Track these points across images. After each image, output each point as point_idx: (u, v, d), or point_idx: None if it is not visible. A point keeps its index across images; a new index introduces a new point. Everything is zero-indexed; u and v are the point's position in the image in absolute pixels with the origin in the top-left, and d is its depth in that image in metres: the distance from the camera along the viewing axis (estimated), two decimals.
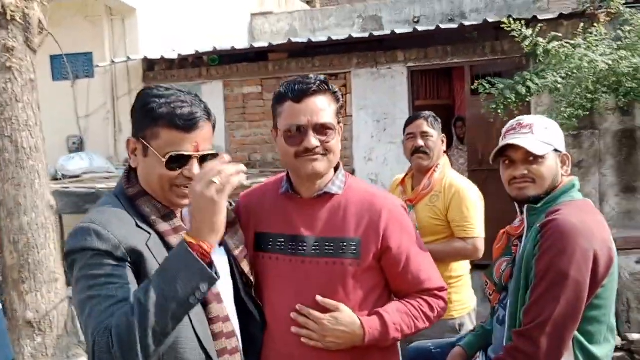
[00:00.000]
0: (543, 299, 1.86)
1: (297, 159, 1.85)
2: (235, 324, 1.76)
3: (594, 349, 1.91)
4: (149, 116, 1.61)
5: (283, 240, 1.92)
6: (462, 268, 3.10)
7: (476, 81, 6.33)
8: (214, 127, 1.72)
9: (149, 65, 8.56)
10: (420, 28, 7.27)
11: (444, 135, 3.16)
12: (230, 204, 1.99)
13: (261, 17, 10.55)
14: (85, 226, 1.54)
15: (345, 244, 1.86)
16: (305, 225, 1.90)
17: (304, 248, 1.88)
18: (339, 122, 1.90)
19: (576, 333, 1.88)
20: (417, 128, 3.07)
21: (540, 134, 2.03)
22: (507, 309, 2.04)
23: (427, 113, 3.13)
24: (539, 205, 2.02)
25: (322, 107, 1.84)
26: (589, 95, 5.60)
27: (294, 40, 7.75)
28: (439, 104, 8.22)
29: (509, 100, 6.10)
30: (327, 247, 1.87)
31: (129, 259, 1.53)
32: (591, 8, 6.59)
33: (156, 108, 1.60)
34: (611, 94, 5.81)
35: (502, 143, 2.08)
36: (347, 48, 7.71)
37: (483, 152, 7.04)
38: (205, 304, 1.63)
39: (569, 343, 1.87)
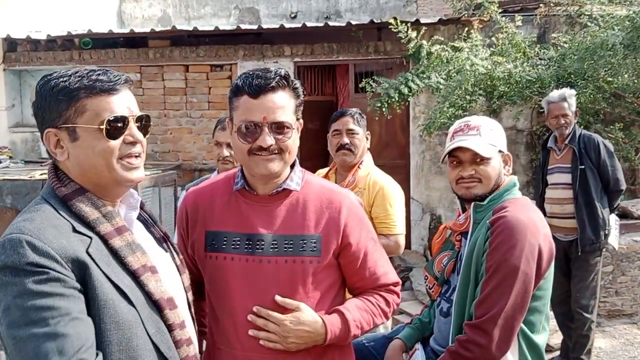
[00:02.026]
0: (495, 293, 1.95)
1: (250, 157, 1.78)
2: (191, 330, 1.65)
3: (535, 337, 2.04)
4: (65, 95, 1.43)
5: (238, 239, 1.84)
6: None
7: (363, 79, 6.52)
8: None
9: (11, 45, 7.81)
10: (309, 24, 7.32)
11: (368, 132, 3.21)
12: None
13: (131, 1, 10.05)
14: (15, 237, 1.31)
15: (305, 241, 1.82)
16: (262, 223, 1.83)
17: (262, 247, 1.82)
18: (298, 119, 1.85)
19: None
20: (343, 125, 3.09)
21: (487, 136, 2.12)
22: (453, 302, 2.12)
23: (353, 110, 3.16)
24: (485, 202, 2.12)
25: (280, 104, 1.76)
26: (468, 97, 5.99)
27: (179, 27, 7.47)
28: (323, 99, 8.35)
29: (393, 99, 6.35)
30: (286, 245, 1.81)
31: (72, 272, 1.32)
32: (466, 15, 7.04)
33: (70, 84, 1.43)
34: (486, 96, 6.27)
35: (452, 145, 2.14)
36: (232, 39, 7.57)
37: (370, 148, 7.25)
38: (161, 310, 1.50)
39: (516, 333, 1.99)
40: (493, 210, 2.07)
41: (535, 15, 7.14)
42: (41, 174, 6.13)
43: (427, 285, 2.34)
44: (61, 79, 1.44)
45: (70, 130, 1.44)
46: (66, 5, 8.31)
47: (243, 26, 7.61)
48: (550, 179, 4.37)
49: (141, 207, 1.66)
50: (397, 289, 2.03)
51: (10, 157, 7.63)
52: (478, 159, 2.10)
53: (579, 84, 5.72)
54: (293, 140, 1.81)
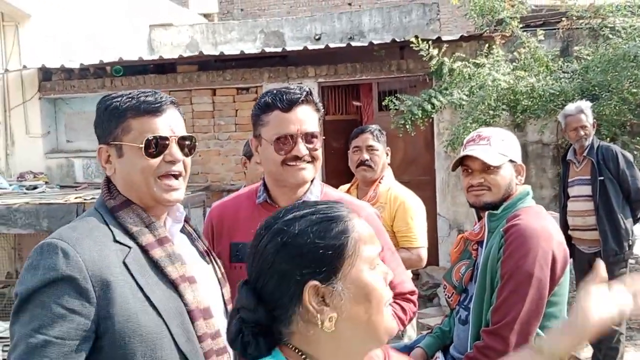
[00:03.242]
0: (510, 299, 2.00)
1: (283, 167, 1.88)
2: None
3: None
4: (115, 114, 1.57)
5: None
6: None
7: (386, 97, 6.59)
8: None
9: (46, 74, 8.12)
10: (332, 45, 7.46)
11: (388, 148, 3.29)
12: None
13: (160, 29, 10.34)
14: (53, 242, 1.44)
15: None
16: None
17: None
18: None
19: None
20: (363, 142, 3.18)
21: (497, 146, 2.18)
22: (470, 310, 2.17)
23: (373, 127, 3.25)
24: (499, 211, 2.18)
25: (309, 117, 1.90)
26: (491, 112, 6.02)
27: (206, 52, 7.68)
28: (347, 118, 8.46)
29: (416, 116, 6.41)
30: None
31: (93, 289, 1.41)
32: (487, 31, 7.09)
33: (120, 104, 1.57)
34: (510, 111, 6.29)
35: (461, 153, 2.22)
36: (257, 62, 7.75)
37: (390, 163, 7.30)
38: (192, 321, 1.57)
39: (533, 339, 2.03)
40: (507, 219, 2.13)
41: (558, 29, 7.14)
42: (76, 198, 6.33)
43: (446, 295, 2.39)
44: (114, 100, 1.59)
45: (118, 147, 1.58)
46: (98, 35, 8.61)
47: (267, 49, 7.78)
48: (571, 192, 4.38)
49: (186, 221, 1.76)
50: (414, 297, 2.10)
51: (46, 182, 7.88)
52: (487, 168, 2.16)
53: (603, 95, 5.71)
54: (320, 150, 1.94)
